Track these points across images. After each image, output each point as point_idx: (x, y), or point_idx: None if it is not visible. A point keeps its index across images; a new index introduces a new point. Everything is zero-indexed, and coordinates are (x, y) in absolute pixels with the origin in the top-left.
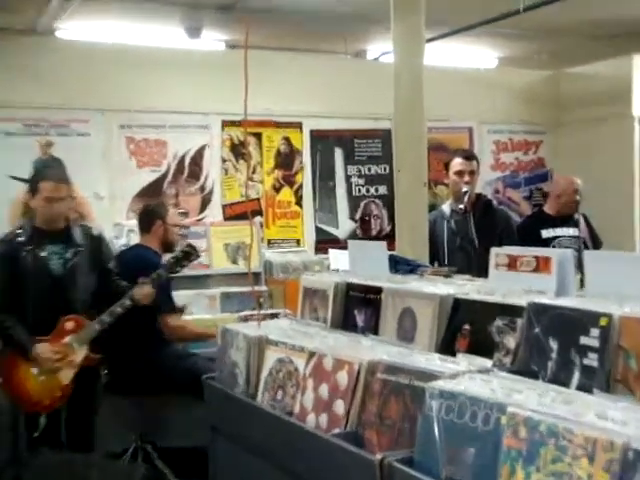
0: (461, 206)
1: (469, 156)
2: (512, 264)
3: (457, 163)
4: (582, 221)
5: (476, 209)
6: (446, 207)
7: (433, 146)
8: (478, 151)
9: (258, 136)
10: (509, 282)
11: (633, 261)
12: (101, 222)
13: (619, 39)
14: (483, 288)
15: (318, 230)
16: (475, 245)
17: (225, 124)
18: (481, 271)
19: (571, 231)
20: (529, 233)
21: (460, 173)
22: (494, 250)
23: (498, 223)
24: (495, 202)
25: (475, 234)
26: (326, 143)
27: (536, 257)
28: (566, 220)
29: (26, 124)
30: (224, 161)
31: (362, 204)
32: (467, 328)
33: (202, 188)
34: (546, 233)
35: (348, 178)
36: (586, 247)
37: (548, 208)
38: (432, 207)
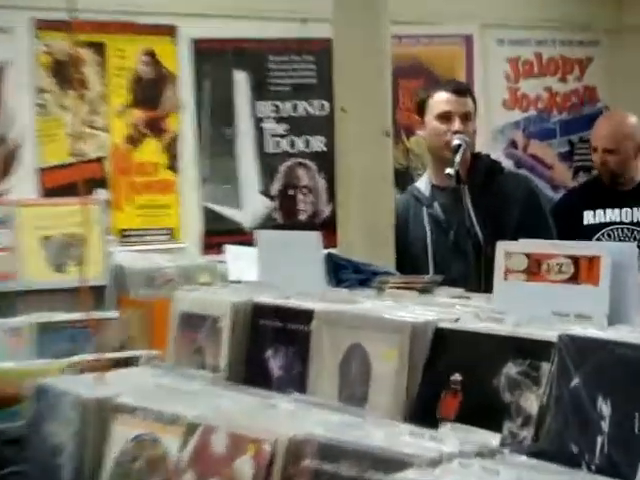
0: (450, 171)
1: (460, 89)
2: (533, 270)
3: (441, 100)
4: None
5: (474, 178)
6: (423, 183)
7: (404, 68)
8: (481, 76)
9: (99, 49)
10: (529, 300)
11: None
12: None
13: None
14: (485, 311)
15: (208, 213)
16: (478, 238)
17: (40, 27)
18: (488, 281)
19: (635, 214)
20: (573, 219)
21: (446, 117)
22: (502, 246)
23: (513, 197)
24: (511, 165)
25: (475, 220)
26: (220, 62)
27: (574, 257)
28: (629, 196)
29: None
30: (40, 92)
31: (283, 168)
32: (458, 379)
33: (0, 140)
34: (590, 217)
35: (258, 123)
36: None
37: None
38: (402, 174)
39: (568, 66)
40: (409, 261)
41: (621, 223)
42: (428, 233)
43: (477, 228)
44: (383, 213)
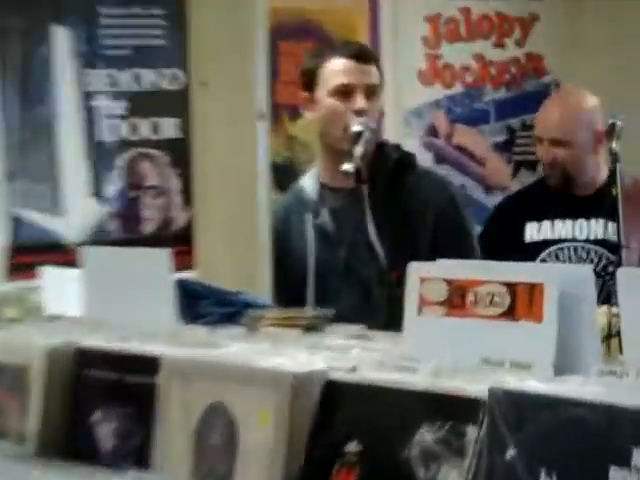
0: (348, 167)
1: (363, 55)
2: (456, 301)
3: (337, 70)
4: (623, 206)
5: (378, 177)
6: (310, 182)
7: (287, 27)
8: (390, 39)
9: None
10: (450, 342)
11: None
12: None
13: None
14: (392, 356)
15: (15, 223)
16: (379, 259)
17: None
18: (394, 317)
19: (593, 228)
20: (511, 234)
21: (344, 92)
22: (415, 269)
23: (428, 205)
24: (430, 159)
25: (376, 233)
26: (31, 14)
27: (510, 285)
28: (587, 204)
29: None
30: None
31: (122, 161)
32: (355, 449)
33: None
34: (533, 231)
35: (87, 99)
36: None
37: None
38: (284, 170)
39: (506, 26)
40: (288, 288)
41: (574, 240)
42: (311, 249)
43: (378, 244)
44: (257, 223)
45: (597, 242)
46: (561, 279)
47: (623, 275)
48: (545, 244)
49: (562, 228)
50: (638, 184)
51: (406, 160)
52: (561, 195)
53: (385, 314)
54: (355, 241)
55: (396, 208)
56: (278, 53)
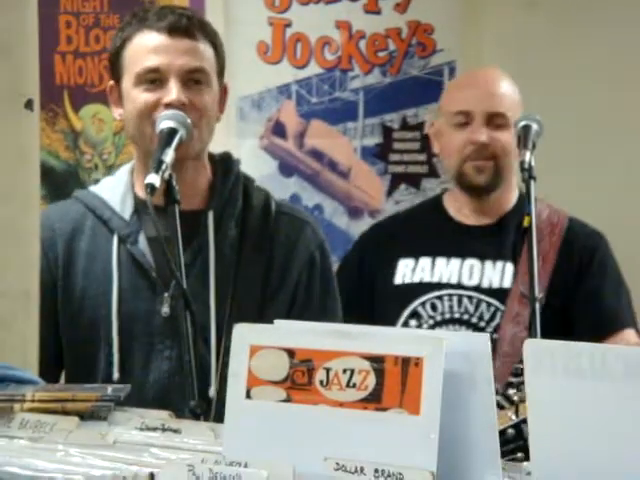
0: (153, 179)
1: (180, 26)
2: (300, 380)
3: (144, 48)
4: (545, 238)
5: (220, 204)
6: (117, 192)
7: None
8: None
9: None
10: (291, 442)
11: None
12: None
13: None
14: (207, 462)
15: None
16: (215, 320)
17: None
18: (222, 401)
19: (488, 271)
20: (378, 273)
21: (154, 79)
22: (239, 333)
23: (290, 255)
24: (275, 168)
25: (213, 277)
26: None
27: (375, 358)
28: (487, 235)
29: None
30: None
31: None
32: None
33: None
34: (406, 270)
35: None
36: (556, 332)
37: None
38: (64, 178)
39: None
40: (71, 348)
41: (459, 286)
42: (115, 288)
43: (216, 297)
44: (20, 253)
45: (492, 292)
46: (449, 352)
47: (531, 346)
48: (420, 289)
49: (444, 268)
50: (551, 215)
51: (256, 190)
52: (451, 223)
53: (212, 395)
54: (186, 288)
55: (249, 253)
56: (58, 8)
